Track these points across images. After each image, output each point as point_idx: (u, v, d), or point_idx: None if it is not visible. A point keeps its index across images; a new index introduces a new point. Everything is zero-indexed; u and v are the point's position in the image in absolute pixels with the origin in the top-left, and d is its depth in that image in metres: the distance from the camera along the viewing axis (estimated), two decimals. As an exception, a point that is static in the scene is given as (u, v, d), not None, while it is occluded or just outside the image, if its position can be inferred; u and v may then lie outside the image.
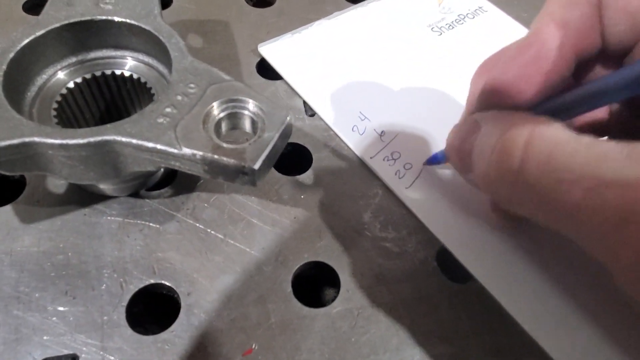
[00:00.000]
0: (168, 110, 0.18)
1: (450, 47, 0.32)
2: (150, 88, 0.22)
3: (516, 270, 0.22)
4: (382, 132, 0.27)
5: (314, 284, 0.23)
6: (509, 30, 0.33)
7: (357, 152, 0.26)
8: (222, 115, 0.19)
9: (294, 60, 0.29)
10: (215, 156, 0.17)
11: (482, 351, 0.20)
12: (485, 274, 0.22)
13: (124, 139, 0.17)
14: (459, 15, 0.34)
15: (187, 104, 0.19)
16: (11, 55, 0.19)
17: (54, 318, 0.19)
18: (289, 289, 0.21)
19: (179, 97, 0.19)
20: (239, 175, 0.18)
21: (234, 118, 0.19)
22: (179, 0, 0.32)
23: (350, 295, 0.21)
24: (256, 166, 0.17)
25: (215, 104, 0.18)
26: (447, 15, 0.34)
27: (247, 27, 0.31)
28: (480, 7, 0.35)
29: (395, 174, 0.25)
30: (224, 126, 0.19)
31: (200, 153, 0.17)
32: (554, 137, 0.15)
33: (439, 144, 0.26)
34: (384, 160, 0.25)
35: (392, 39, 0.32)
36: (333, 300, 0.21)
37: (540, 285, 0.21)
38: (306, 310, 0.20)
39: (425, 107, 0.28)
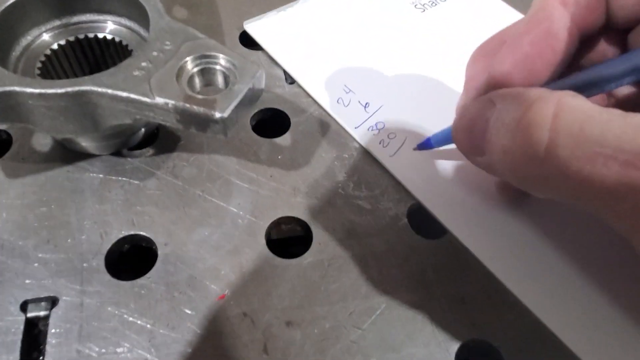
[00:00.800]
0: (144, 64, 0.19)
1: (433, 23, 0.32)
2: (132, 50, 0.23)
3: (493, 225, 0.23)
4: (366, 103, 0.27)
5: (287, 242, 0.24)
6: (490, 8, 0.34)
7: (342, 123, 0.26)
8: (195, 70, 0.19)
9: (279, 37, 0.30)
10: (187, 105, 0.18)
11: (446, 299, 0.21)
12: (459, 227, 0.22)
13: (99, 89, 0.18)
14: (441, -8, 0.34)
15: (162, 59, 0.19)
16: (-5, 14, 0.20)
17: (36, 264, 0.20)
18: (263, 241, 0.22)
19: (155, 53, 0.20)
20: (210, 124, 0.18)
21: (207, 73, 0.20)
22: (167, -25, 0.33)
23: (322, 247, 0.22)
24: (225, 114, 0.18)
25: (188, 59, 0.19)
26: (431, -8, 0.34)
27: (231, 2, 0.32)
28: (463, -16, 0.35)
29: (380, 142, 0.26)
30: (198, 81, 0.20)
31: (172, 102, 0.18)
32: (584, 109, 0.14)
33: (423, 117, 0.27)
34: (368, 129, 0.26)
35: (375, 16, 0.32)
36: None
37: (516, 239, 0.22)
38: (278, 260, 0.21)
39: (409, 80, 0.29)
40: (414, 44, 0.31)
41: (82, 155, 0.23)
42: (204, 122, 0.18)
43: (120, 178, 0.23)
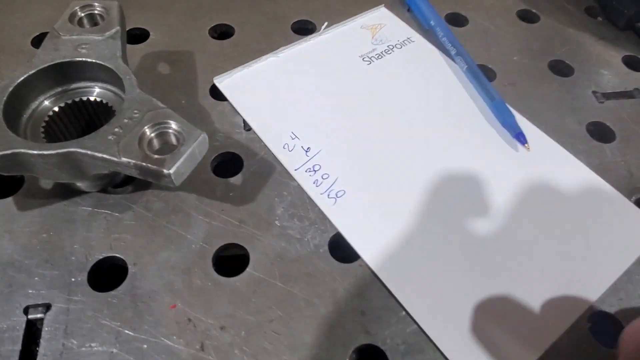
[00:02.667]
0: (117, 130, 0.26)
1: (377, 73, 0.38)
2: (114, 109, 0.29)
3: (397, 253, 0.28)
4: (307, 148, 0.33)
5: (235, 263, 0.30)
6: (428, 57, 0.40)
7: (285, 165, 0.32)
8: (153, 134, 0.26)
9: (241, 90, 0.36)
10: (144, 163, 0.24)
11: (351, 311, 0.26)
12: (370, 254, 0.28)
13: (82, 150, 0.25)
14: (388, 46, 0.40)
15: (131, 125, 0.26)
16: (10, 89, 0.27)
17: (36, 278, 0.27)
18: (210, 262, 0.28)
19: (125, 120, 0.26)
20: (161, 178, 0.25)
21: (164, 135, 0.26)
22: (156, 34, 0.40)
23: (256, 268, 0.28)
24: (172, 171, 0.24)
25: (147, 127, 0.26)
26: (378, 47, 0.40)
27: (207, 57, 0.38)
28: (408, 38, 0.41)
29: (314, 182, 0.31)
30: (155, 143, 0.26)
31: (133, 161, 0.24)
32: None
33: (355, 160, 0.32)
34: (305, 171, 0.32)
35: (327, 69, 0.38)
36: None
37: (418, 265, 0.28)
38: (220, 278, 0.27)
39: (349, 127, 0.34)
40: (357, 94, 0.36)
41: (76, 192, 0.30)
42: (157, 176, 0.25)
43: (104, 211, 0.30)
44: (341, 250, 0.29)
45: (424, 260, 0.28)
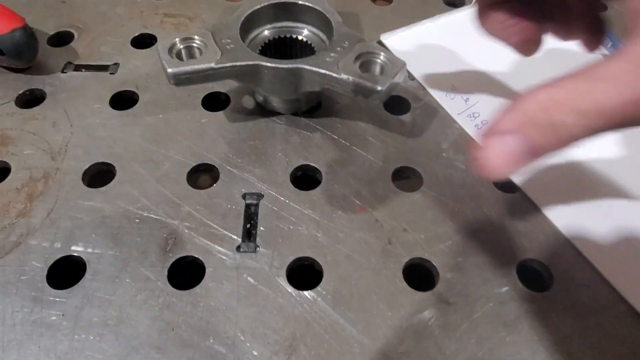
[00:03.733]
0: (332, 54, 0.31)
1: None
2: (314, 47, 0.35)
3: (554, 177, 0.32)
4: (467, 98, 0.37)
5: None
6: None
7: (448, 110, 0.37)
8: (363, 59, 0.31)
9: (405, 47, 0.41)
10: (360, 80, 0.29)
11: (515, 232, 0.30)
12: (526, 184, 0.32)
13: (308, 67, 0.30)
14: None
15: (343, 52, 0.31)
16: (243, 17, 0.33)
17: (248, 174, 0.32)
18: (389, 178, 0.32)
19: (339, 48, 0.31)
20: (372, 94, 0.29)
21: (369, 64, 0.31)
22: (324, -3, 0.45)
23: (429, 187, 0.32)
24: (384, 87, 0.29)
25: (360, 53, 0.30)
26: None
27: (371, 19, 0.43)
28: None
29: (475, 126, 0.36)
30: (364, 69, 0.31)
31: (351, 78, 0.29)
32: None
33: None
34: (467, 117, 0.36)
35: (482, 38, 0.42)
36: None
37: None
38: (401, 192, 0.32)
39: (504, 84, 0.38)
40: (510, 58, 0.40)
41: (273, 113, 0.36)
42: (369, 92, 0.29)
43: (297, 129, 0.35)
44: (503, 182, 0.33)
45: (583, 189, 0.31)
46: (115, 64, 0.38)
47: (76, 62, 0.39)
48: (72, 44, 0.40)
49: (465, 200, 0.32)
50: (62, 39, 0.41)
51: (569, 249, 0.29)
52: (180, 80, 0.30)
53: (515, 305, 0.27)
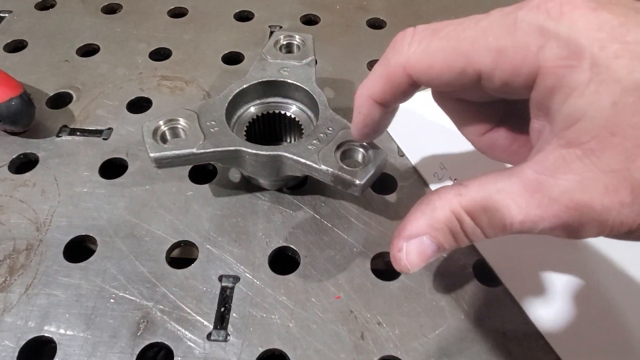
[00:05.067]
0: (315, 142, 0.31)
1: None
2: (302, 126, 0.35)
3: (544, 287, 0.31)
4: (455, 179, 0.37)
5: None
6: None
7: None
8: (345, 149, 0.31)
9: (397, 119, 0.40)
10: (339, 172, 0.29)
11: (493, 330, 0.29)
12: (511, 282, 0.31)
13: (289, 155, 0.30)
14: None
15: (326, 140, 0.31)
16: (230, 97, 0.33)
17: (227, 254, 0.32)
18: (368, 265, 0.32)
19: (322, 135, 0.31)
20: (351, 187, 0.29)
21: (353, 152, 0.31)
22: (322, 62, 0.46)
23: (408, 277, 0.32)
24: (363, 182, 0.29)
25: (342, 142, 0.31)
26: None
27: (365, 87, 0.44)
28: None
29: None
30: (345, 156, 0.31)
31: (331, 169, 0.29)
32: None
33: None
34: (451, 196, 0.36)
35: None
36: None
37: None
38: (379, 281, 0.31)
39: (496, 165, 0.38)
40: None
41: (258, 188, 0.36)
42: (347, 184, 0.29)
43: (280, 207, 0.35)
44: (485, 273, 0.32)
45: (565, 290, 0.31)
46: (109, 129, 0.39)
47: (72, 126, 0.39)
48: (70, 105, 0.41)
49: (444, 292, 0.31)
50: (61, 101, 0.42)
51: (549, 355, 0.28)
52: (162, 164, 0.30)
53: (485, 418, 0.26)
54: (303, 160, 0.30)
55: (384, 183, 0.37)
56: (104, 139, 0.39)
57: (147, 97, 0.42)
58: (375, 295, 0.31)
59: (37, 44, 0.46)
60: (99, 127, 0.39)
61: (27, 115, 0.36)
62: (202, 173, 0.37)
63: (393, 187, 0.37)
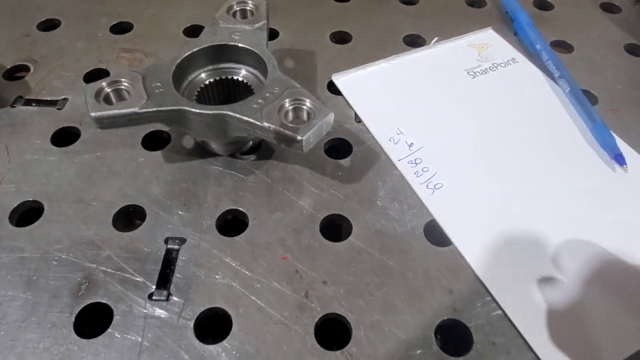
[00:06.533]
0: (260, 101, 0.30)
1: (480, 86, 0.41)
2: (252, 88, 0.35)
3: (485, 238, 0.31)
4: (411, 143, 0.37)
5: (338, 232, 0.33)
6: (531, 77, 0.42)
7: (389, 155, 0.36)
8: (290, 107, 0.30)
9: (355, 88, 0.40)
10: (280, 129, 0.29)
11: (440, 288, 0.29)
12: (461, 240, 0.31)
13: (232, 114, 0.30)
14: (492, 64, 0.43)
15: (271, 99, 0.31)
16: (178, 61, 0.33)
17: (175, 217, 0.32)
18: (317, 227, 0.32)
19: (268, 94, 0.31)
20: (293, 143, 0.29)
21: (298, 110, 0.31)
22: (284, 34, 0.45)
23: (357, 237, 0.31)
24: (304, 137, 0.28)
25: (287, 100, 0.30)
26: (483, 64, 0.43)
27: (326, 57, 0.43)
28: (513, 58, 0.43)
29: (415, 173, 0.35)
30: (290, 115, 0.30)
31: (273, 126, 0.29)
32: None
33: (453, 159, 0.35)
34: (408, 163, 0.35)
35: (434, 77, 0.41)
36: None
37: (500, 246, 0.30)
38: (325, 241, 0.31)
39: (451, 129, 0.37)
40: (460, 101, 0.39)
41: (211, 154, 0.35)
42: (290, 141, 0.29)
43: (232, 172, 0.34)
44: (435, 235, 0.31)
45: (513, 252, 0.30)
46: (64, 99, 0.39)
47: (27, 97, 0.39)
48: (27, 77, 0.41)
49: (393, 252, 0.31)
50: (18, 73, 0.41)
51: (494, 311, 0.28)
52: (104, 124, 0.30)
53: (425, 371, 0.26)
54: (245, 118, 0.30)
55: (339, 148, 0.37)
56: (58, 109, 0.38)
57: (105, 68, 0.42)
58: (322, 256, 0.30)
59: (-1, 21, 0.46)
60: (54, 98, 0.39)
61: (-21, 85, 0.36)
62: (157, 140, 0.37)
63: (348, 153, 0.36)
